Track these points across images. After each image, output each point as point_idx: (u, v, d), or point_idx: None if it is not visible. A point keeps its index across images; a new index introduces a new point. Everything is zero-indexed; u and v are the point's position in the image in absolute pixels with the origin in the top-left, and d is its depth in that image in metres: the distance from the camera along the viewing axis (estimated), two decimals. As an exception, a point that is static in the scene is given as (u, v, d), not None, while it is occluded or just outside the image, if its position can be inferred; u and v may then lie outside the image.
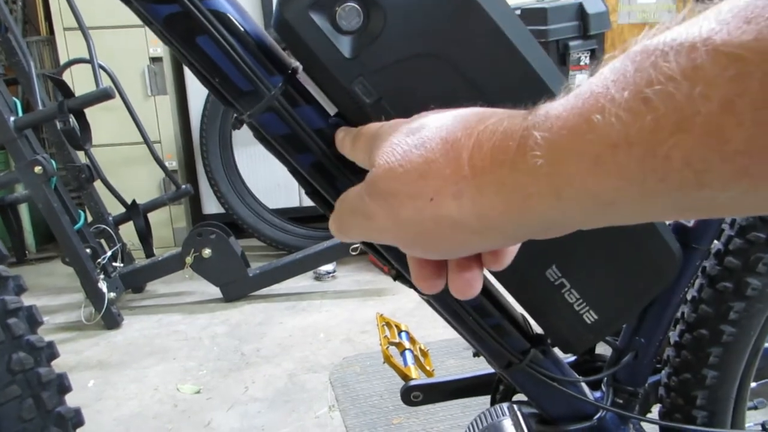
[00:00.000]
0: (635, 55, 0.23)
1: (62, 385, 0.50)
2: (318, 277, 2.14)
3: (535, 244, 0.56)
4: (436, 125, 0.32)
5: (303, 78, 0.51)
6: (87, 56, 1.69)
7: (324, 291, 2.07)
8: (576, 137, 0.24)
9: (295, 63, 0.51)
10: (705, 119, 0.20)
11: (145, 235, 2.05)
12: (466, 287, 0.35)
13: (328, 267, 2.12)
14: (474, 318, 0.60)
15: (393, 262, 0.59)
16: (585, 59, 1.96)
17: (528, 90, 0.50)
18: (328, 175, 0.53)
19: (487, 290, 0.61)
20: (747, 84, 0.19)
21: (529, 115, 0.27)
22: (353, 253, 1.93)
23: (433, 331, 1.74)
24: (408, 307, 1.87)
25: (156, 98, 2.23)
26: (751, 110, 0.19)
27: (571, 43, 1.91)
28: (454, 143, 0.30)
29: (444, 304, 0.60)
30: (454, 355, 1.60)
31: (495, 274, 0.59)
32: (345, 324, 1.82)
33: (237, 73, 0.49)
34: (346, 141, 0.44)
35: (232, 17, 0.48)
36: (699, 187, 0.21)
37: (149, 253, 2.07)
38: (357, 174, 0.53)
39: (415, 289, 0.62)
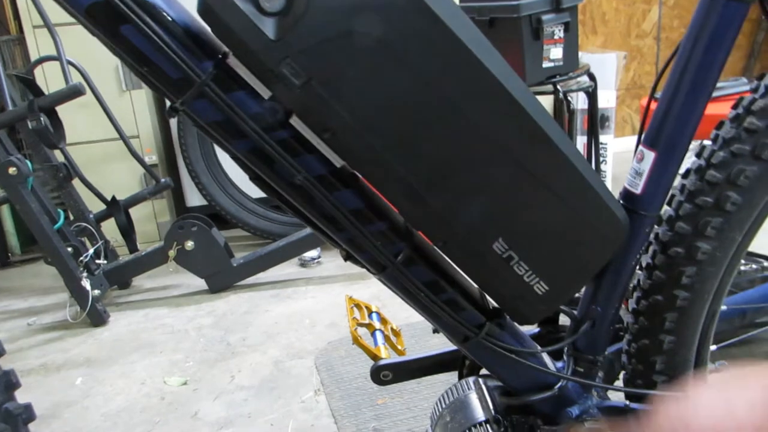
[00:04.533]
0: None
1: (9, 382, 0.50)
2: (303, 264, 2.15)
3: (479, 218, 0.56)
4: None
5: (234, 63, 0.51)
6: (56, 54, 1.67)
7: (309, 277, 2.07)
8: None
9: (225, 48, 0.51)
10: None
11: (127, 230, 2.05)
12: None
13: (313, 253, 2.12)
14: (426, 294, 0.60)
15: (342, 244, 0.59)
16: (559, 33, 1.95)
17: (458, 65, 0.50)
18: (267, 159, 0.53)
19: (439, 266, 0.61)
20: None
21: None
22: (335, 239, 1.93)
23: (406, 313, 1.73)
24: (381, 290, 1.88)
25: (131, 93, 2.21)
26: None
27: (544, 17, 1.89)
28: None
29: (395, 282, 0.60)
30: (425, 335, 1.61)
31: (444, 249, 0.59)
32: (330, 309, 1.83)
33: (165, 61, 0.49)
34: None
35: (155, 5, 0.48)
36: None
37: (133, 248, 2.07)
38: (296, 156, 0.53)
39: (367, 269, 0.62)
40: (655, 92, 0.67)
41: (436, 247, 0.60)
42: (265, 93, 0.52)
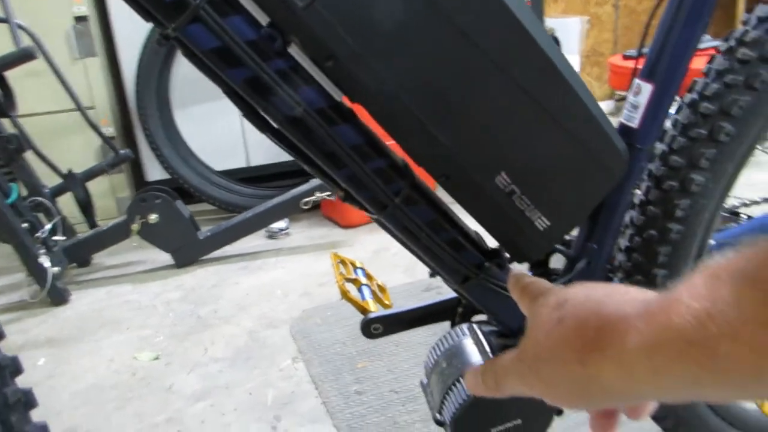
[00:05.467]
0: (707, 279, 0.28)
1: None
2: (271, 236, 2.11)
3: (484, 150, 0.55)
4: (575, 302, 0.39)
5: (230, -15, 0.48)
6: (3, 15, 1.58)
7: (278, 249, 2.04)
8: (666, 332, 0.30)
9: (220, -31, 0.48)
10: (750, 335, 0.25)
11: (85, 205, 1.97)
12: (599, 430, 0.44)
13: (281, 224, 2.09)
14: (427, 234, 0.59)
15: (342, 183, 0.57)
16: (523, -4, 1.94)
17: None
18: (263, 89, 0.50)
19: (438, 206, 0.60)
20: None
21: (637, 306, 0.33)
22: (305, 207, 1.90)
23: (392, 276, 1.74)
24: (364, 257, 1.87)
25: (85, 61, 2.11)
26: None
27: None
28: (584, 321, 0.36)
29: (395, 222, 0.59)
30: (414, 297, 1.61)
31: (446, 185, 0.58)
32: (302, 279, 1.81)
33: (157, -18, 0.46)
34: (515, 289, 0.51)
35: None
36: (757, 383, 0.27)
37: (92, 224, 1.99)
38: (295, 88, 0.51)
39: (366, 209, 0.61)
40: (643, 46, 0.67)
41: (435, 185, 0.58)
42: (263, 19, 0.49)
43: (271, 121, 0.53)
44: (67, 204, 2.01)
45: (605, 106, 3.07)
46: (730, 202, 1.19)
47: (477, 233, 0.64)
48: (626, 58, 2.35)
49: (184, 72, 2.18)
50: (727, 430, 0.83)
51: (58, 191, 1.94)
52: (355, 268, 0.94)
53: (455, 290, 0.68)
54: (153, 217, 1.83)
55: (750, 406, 0.87)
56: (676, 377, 0.29)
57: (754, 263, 0.26)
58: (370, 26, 0.48)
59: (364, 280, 0.92)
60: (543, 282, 0.49)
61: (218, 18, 0.47)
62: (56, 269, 1.76)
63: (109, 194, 2.28)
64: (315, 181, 1.92)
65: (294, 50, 0.51)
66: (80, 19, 2.08)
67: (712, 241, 0.70)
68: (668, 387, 0.31)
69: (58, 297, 1.78)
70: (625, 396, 0.35)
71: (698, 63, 0.65)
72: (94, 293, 1.85)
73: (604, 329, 0.35)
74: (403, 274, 1.77)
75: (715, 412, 0.82)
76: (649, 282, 0.68)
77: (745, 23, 0.61)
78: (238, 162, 2.35)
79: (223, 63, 0.49)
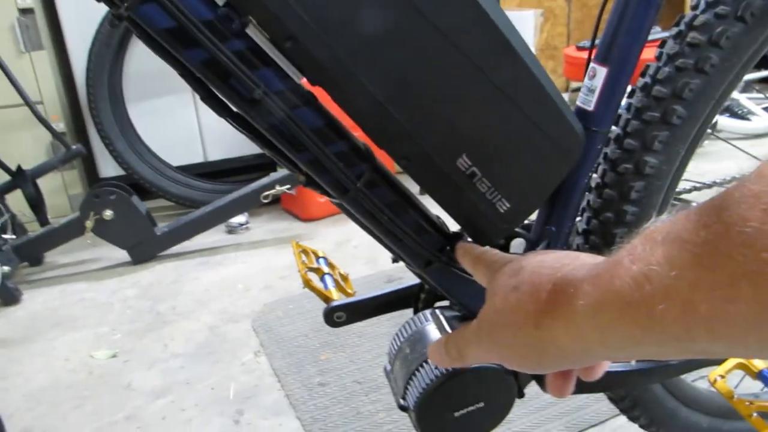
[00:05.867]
0: (644, 242, 0.29)
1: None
2: (231, 230, 2.08)
3: (444, 132, 0.56)
4: (530, 269, 0.40)
5: (184, -37, 0.47)
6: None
7: (238, 243, 2.01)
8: (608, 294, 0.31)
9: (174, -53, 0.47)
10: (680, 294, 0.26)
11: (36, 202, 1.91)
12: (556, 391, 0.46)
13: (240, 219, 2.06)
14: (390, 218, 0.59)
15: (303, 167, 0.56)
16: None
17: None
18: (221, 72, 0.49)
19: (400, 190, 0.60)
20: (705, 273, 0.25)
21: (586, 270, 0.34)
22: (265, 201, 1.88)
23: (354, 268, 1.74)
24: (325, 249, 1.85)
25: (31, 54, 2.04)
26: (711, 290, 0.25)
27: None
28: (537, 286, 0.38)
29: (357, 206, 0.58)
30: (376, 287, 1.60)
31: (407, 168, 0.58)
32: (263, 273, 1.79)
33: (107, -42, 0.44)
34: (466, 259, 0.53)
35: None
36: (691, 341, 0.27)
37: (43, 221, 1.93)
38: (254, 70, 0.50)
39: (327, 194, 0.60)
40: (596, 38, 0.67)
41: (397, 169, 0.58)
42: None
43: (230, 105, 0.52)
44: (17, 202, 1.94)
45: (561, 98, 3.12)
46: (682, 186, 1.23)
47: (439, 217, 0.65)
48: (580, 49, 2.39)
49: (137, 65, 2.13)
50: (681, 408, 0.85)
51: (6, 189, 1.87)
52: (317, 257, 0.94)
53: (418, 275, 0.69)
54: (108, 214, 1.79)
55: (703, 385, 0.90)
56: (620, 336, 0.31)
57: (682, 225, 0.27)
58: (325, 4, 0.47)
59: (326, 269, 0.92)
60: (495, 251, 0.50)
61: (173, -4, 0.46)
62: (6, 268, 1.70)
63: (61, 191, 2.21)
64: (275, 175, 1.90)
65: (252, 31, 0.50)
66: (25, 11, 2.01)
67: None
68: (614, 346, 0.32)
69: (8, 297, 1.72)
70: (576, 356, 0.36)
71: (652, 52, 0.67)
72: (47, 292, 1.80)
73: (556, 292, 0.36)
74: (365, 265, 1.78)
75: (670, 392, 0.84)
76: (607, 263, 0.69)
77: (694, 8, 0.63)
78: (195, 157, 2.31)
79: (178, 44, 0.48)
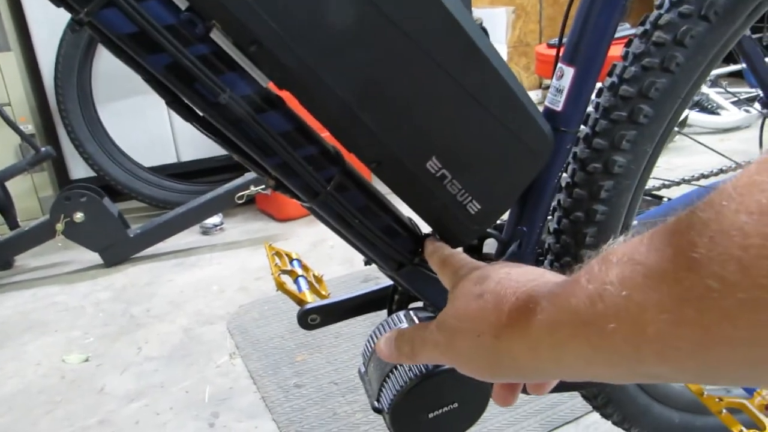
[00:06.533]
0: (600, 263, 0.29)
1: None
2: (205, 232, 2.06)
3: (412, 135, 0.55)
4: (496, 279, 0.40)
5: (145, -33, 0.46)
6: None
7: (213, 244, 2.00)
8: (564, 312, 0.31)
9: (134, -50, 0.46)
10: (629, 314, 0.26)
11: (5, 205, 1.87)
12: (500, 401, 0.47)
13: (215, 220, 2.04)
14: (361, 221, 0.59)
15: (272, 171, 0.56)
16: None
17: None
18: (185, 76, 0.49)
19: (371, 193, 0.60)
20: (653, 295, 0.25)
21: (547, 288, 0.35)
22: (239, 202, 1.87)
23: (329, 268, 1.73)
24: (301, 250, 1.85)
25: (-2, 55, 2.01)
26: (659, 313, 0.25)
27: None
28: (501, 297, 0.38)
29: (328, 209, 0.58)
30: (352, 288, 1.60)
31: (377, 172, 0.58)
32: (238, 274, 1.78)
33: (65, -38, 0.43)
34: (434, 258, 0.54)
35: None
36: (639, 363, 0.27)
37: (13, 225, 1.90)
38: (218, 74, 0.50)
39: (298, 198, 0.60)
40: (563, 36, 0.68)
41: (367, 173, 0.58)
42: (183, 4, 0.48)
43: (196, 109, 0.51)
44: (-17, 205, 1.90)
45: (533, 95, 3.15)
46: (651, 184, 1.24)
47: (411, 219, 0.65)
48: (550, 46, 2.41)
49: (106, 65, 2.09)
50: (653, 405, 0.86)
51: (-27, 192, 1.83)
52: (291, 259, 0.93)
53: (391, 277, 0.68)
54: (78, 216, 1.76)
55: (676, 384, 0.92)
56: (574, 355, 0.31)
57: (636, 248, 0.28)
58: (289, 7, 0.47)
59: (300, 271, 0.91)
60: (463, 255, 0.50)
61: (134, 1, 0.45)
62: (-26, 273, 1.67)
63: (31, 194, 2.17)
64: (249, 175, 1.89)
65: (217, 35, 0.49)
66: (-9, 11, 1.97)
67: (635, 222, 0.73)
68: (567, 364, 0.32)
69: (-23, 303, 1.68)
70: (529, 371, 0.37)
71: (619, 50, 0.67)
72: (17, 296, 1.76)
73: (517, 306, 0.36)
74: (341, 266, 1.77)
75: (642, 389, 0.85)
76: (578, 263, 0.70)
77: (659, 7, 0.64)
78: (167, 158, 2.28)
79: (141, 49, 0.47)
